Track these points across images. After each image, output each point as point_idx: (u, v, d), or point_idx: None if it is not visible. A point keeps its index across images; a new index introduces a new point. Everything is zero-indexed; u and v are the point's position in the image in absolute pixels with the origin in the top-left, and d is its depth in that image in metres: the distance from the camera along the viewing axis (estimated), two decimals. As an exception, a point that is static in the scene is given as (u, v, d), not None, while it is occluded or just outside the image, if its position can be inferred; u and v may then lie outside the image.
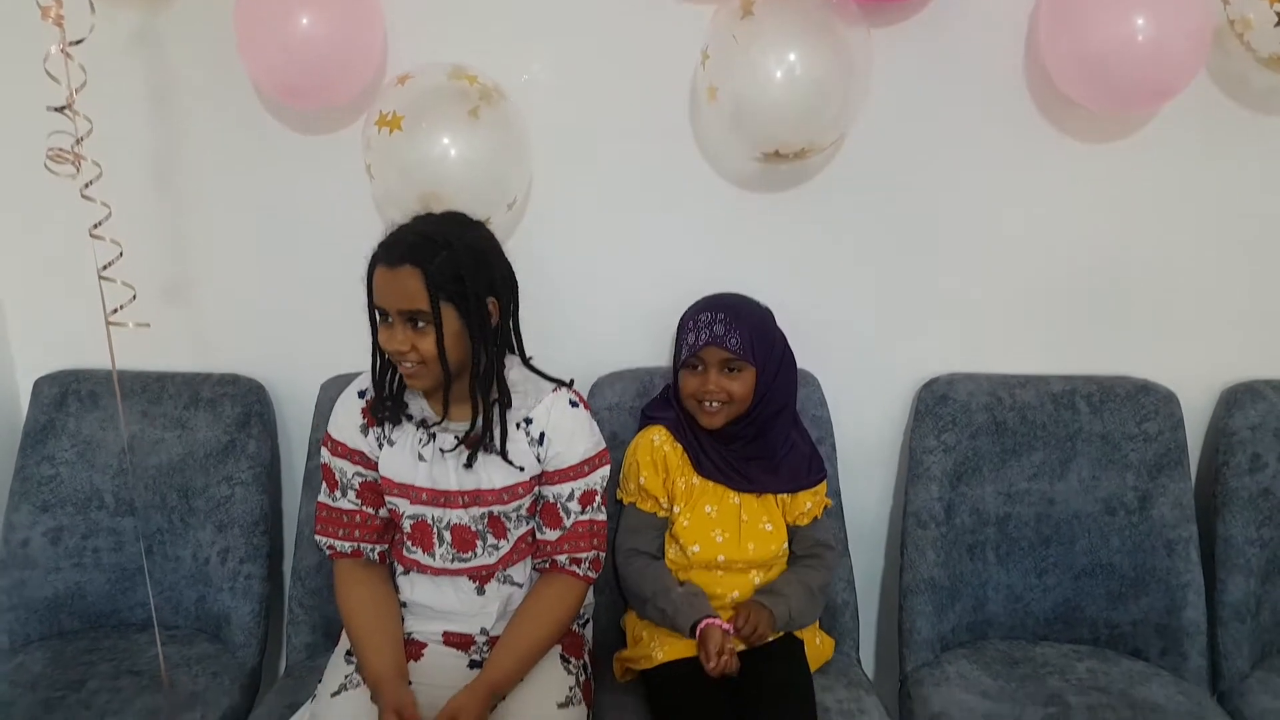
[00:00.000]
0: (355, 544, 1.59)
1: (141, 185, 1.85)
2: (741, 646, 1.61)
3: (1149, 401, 1.83)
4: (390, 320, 1.44)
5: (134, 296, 1.43)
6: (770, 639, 1.64)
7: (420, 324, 1.42)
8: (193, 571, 1.86)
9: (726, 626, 1.58)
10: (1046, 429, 1.84)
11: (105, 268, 1.41)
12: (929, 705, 1.68)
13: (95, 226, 1.40)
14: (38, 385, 1.90)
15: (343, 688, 1.51)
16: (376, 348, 1.52)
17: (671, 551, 1.72)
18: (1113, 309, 1.89)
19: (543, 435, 1.54)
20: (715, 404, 1.65)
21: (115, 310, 1.43)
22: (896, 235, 1.86)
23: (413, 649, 1.57)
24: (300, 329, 1.93)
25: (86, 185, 1.39)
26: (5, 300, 1.94)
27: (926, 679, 1.76)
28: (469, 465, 1.52)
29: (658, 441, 1.71)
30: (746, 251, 1.87)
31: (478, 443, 1.51)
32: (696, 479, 1.70)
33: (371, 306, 1.47)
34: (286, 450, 2.00)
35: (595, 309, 1.91)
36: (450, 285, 1.41)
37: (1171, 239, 1.86)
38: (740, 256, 1.87)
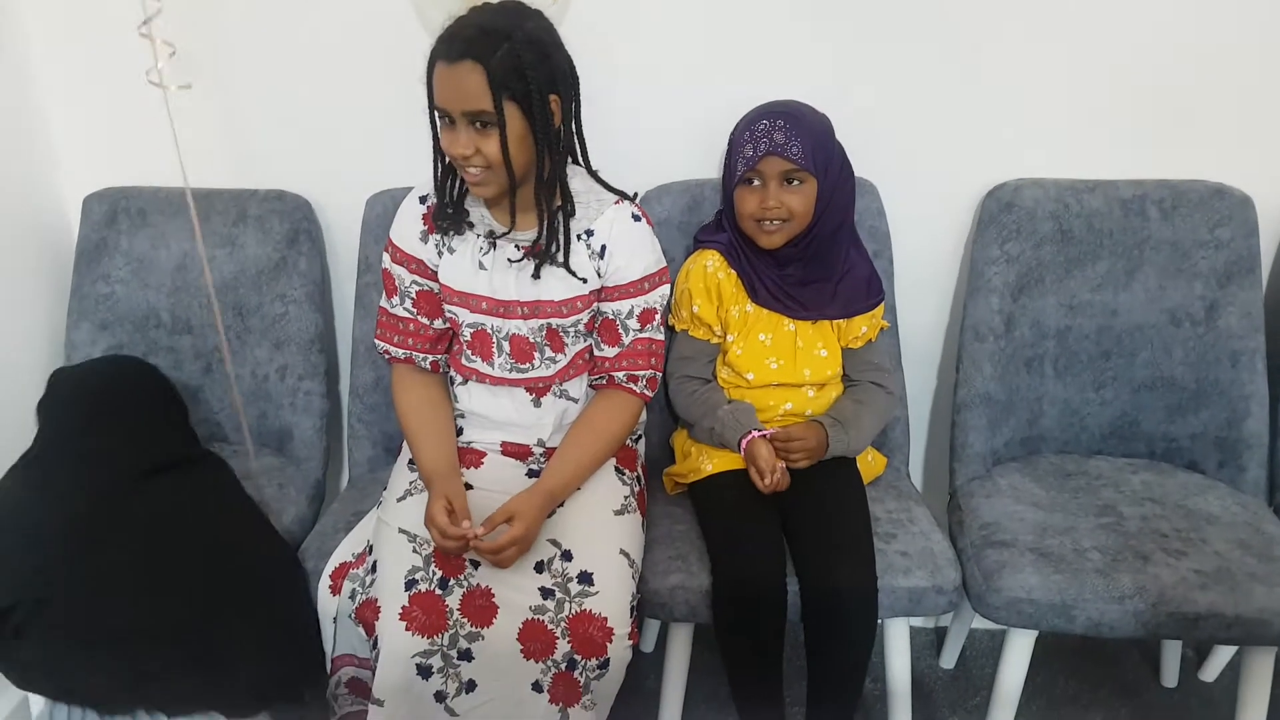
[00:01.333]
0: (408, 352, 1.61)
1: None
2: (796, 461, 1.62)
3: (1223, 206, 1.76)
4: (452, 122, 1.38)
5: (173, 53, 1.36)
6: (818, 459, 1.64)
7: (483, 125, 1.37)
8: (253, 388, 1.89)
9: (768, 432, 1.60)
10: (1114, 237, 1.78)
11: (145, 23, 1.34)
12: (979, 515, 1.69)
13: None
14: (87, 203, 1.89)
15: (408, 493, 1.55)
16: (438, 152, 1.47)
17: (725, 373, 1.71)
18: (1188, 107, 1.78)
19: (604, 249, 1.52)
20: (775, 223, 1.59)
21: (155, 67, 1.37)
22: (962, 30, 1.75)
23: (473, 457, 1.60)
24: (342, 142, 1.87)
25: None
26: (52, 117, 1.90)
27: (977, 491, 1.76)
28: (537, 275, 1.50)
29: (711, 268, 1.67)
30: (802, 50, 1.77)
31: (544, 252, 1.48)
32: (751, 306, 1.67)
33: (432, 108, 1.41)
34: (335, 269, 1.98)
35: (641, 117, 1.82)
36: (513, 81, 1.34)
37: (1252, 30, 1.73)
38: (796, 56, 1.77)
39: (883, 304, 1.72)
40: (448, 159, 1.46)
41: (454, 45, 1.33)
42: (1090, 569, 1.52)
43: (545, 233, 1.47)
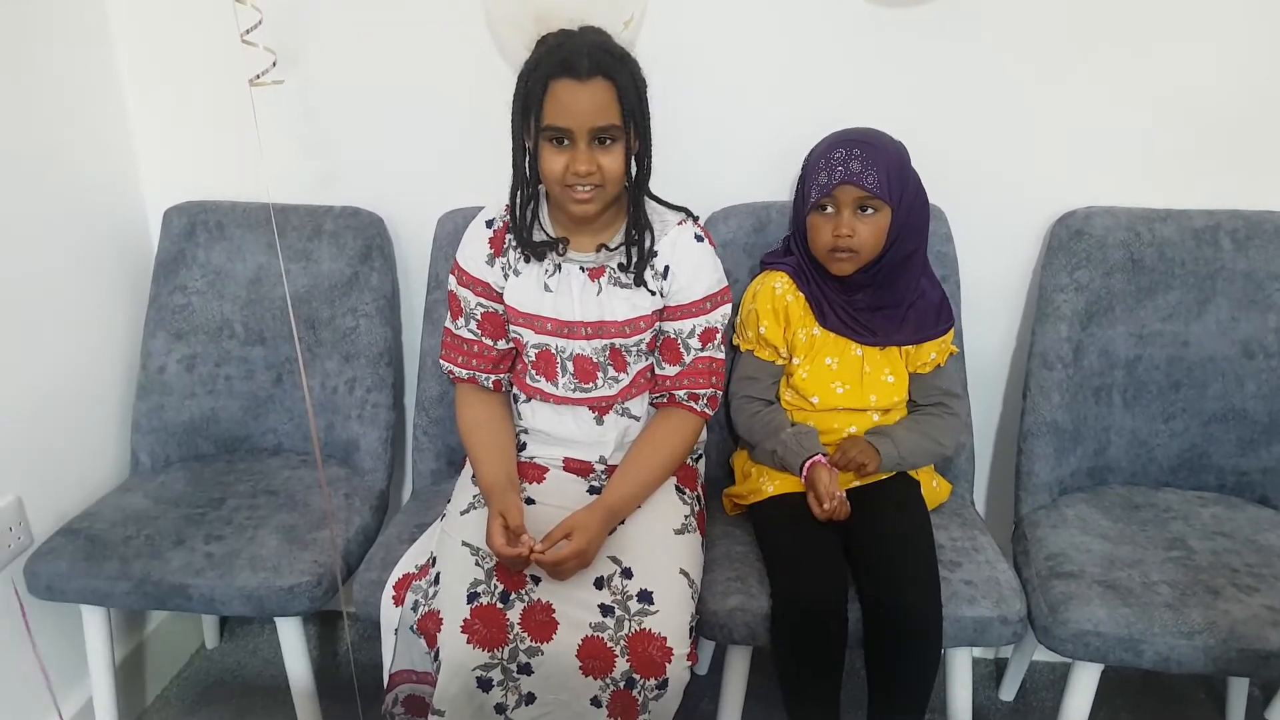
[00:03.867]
0: (471, 372, 1.63)
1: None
2: (855, 482, 1.62)
3: (1299, 238, 1.73)
4: (563, 142, 1.40)
5: (274, 63, 1.43)
6: (881, 475, 1.64)
7: (606, 141, 1.40)
8: (321, 400, 1.92)
9: (832, 469, 1.59)
10: (1186, 266, 1.75)
11: (247, 32, 1.41)
12: (1045, 546, 1.66)
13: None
14: (167, 215, 1.94)
15: (471, 506, 1.56)
16: (526, 177, 1.49)
17: (788, 395, 1.71)
18: (1262, 138, 1.75)
19: (667, 269, 1.53)
20: (847, 253, 1.58)
21: (258, 75, 1.44)
22: (1033, 57, 1.74)
23: (535, 472, 1.62)
24: (416, 162, 1.91)
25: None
26: (135, 131, 1.96)
27: (1043, 521, 1.74)
28: (637, 283, 1.53)
29: (780, 290, 1.67)
30: (871, 76, 1.78)
31: (642, 266, 1.51)
32: (818, 330, 1.66)
33: (536, 130, 1.41)
34: (405, 284, 2.01)
35: (710, 138, 1.83)
36: (633, 99, 1.39)
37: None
38: (864, 81, 1.78)
39: (952, 330, 1.70)
40: (530, 184, 1.48)
41: (580, 64, 1.35)
42: (1159, 603, 1.49)
43: (633, 248, 1.51)
